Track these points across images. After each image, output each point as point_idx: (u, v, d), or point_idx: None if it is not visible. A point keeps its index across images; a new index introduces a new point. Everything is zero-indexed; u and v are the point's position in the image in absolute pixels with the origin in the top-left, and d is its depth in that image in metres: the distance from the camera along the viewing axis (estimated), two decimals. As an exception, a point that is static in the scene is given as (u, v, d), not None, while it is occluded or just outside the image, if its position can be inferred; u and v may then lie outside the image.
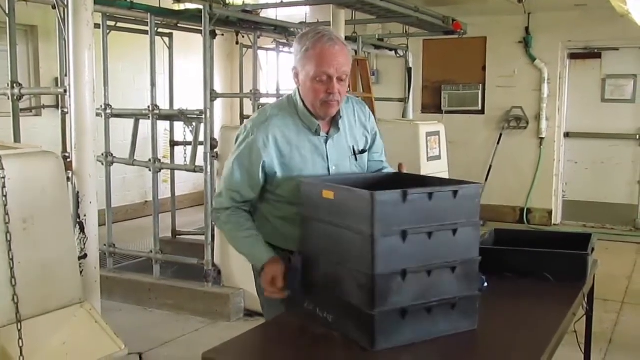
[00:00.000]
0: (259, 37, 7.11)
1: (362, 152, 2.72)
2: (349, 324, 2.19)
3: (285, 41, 7.73)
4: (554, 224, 9.13)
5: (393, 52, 9.34)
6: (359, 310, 2.12)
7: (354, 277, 2.15)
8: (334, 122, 2.60)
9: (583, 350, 3.52)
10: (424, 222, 2.13)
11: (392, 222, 2.07)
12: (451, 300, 2.20)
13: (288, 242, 2.58)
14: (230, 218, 2.62)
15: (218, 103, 7.70)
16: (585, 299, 3.01)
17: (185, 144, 6.97)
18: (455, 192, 2.20)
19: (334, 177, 2.56)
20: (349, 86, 7.39)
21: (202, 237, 5.72)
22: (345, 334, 2.20)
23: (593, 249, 3.08)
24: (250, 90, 6.74)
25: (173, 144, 7.29)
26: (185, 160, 6.59)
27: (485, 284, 2.72)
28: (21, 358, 2.73)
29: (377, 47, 9.17)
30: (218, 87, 9.22)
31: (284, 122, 2.55)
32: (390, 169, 2.84)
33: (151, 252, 5.87)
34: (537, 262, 2.92)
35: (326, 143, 2.61)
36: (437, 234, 2.15)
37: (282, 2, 6.76)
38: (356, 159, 2.70)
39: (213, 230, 5.54)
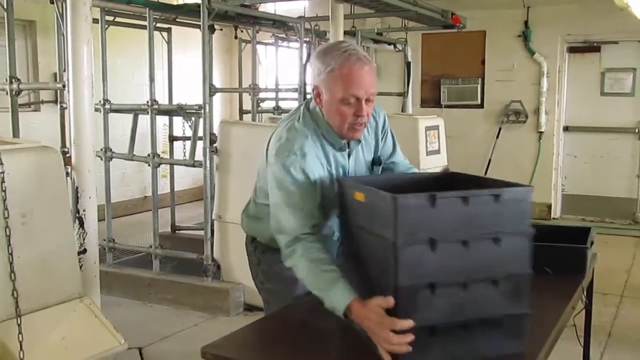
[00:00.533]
0: (257, 32, 7.12)
1: (377, 162, 2.64)
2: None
3: (284, 36, 7.72)
4: (553, 218, 9.13)
5: (392, 46, 9.33)
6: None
7: (380, 289, 1.95)
8: None
9: (582, 344, 3.53)
10: (458, 230, 1.90)
11: (418, 228, 1.85)
12: (492, 318, 1.97)
13: None
14: (308, 249, 2.25)
15: (217, 98, 7.72)
16: (585, 292, 3.01)
17: (185, 138, 6.97)
18: (496, 196, 1.95)
19: (378, 177, 2.47)
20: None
21: (202, 232, 5.72)
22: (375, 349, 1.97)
23: (592, 243, 3.08)
24: (249, 85, 6.75)
25: (172, 139, 7.29)
26: (184, 155, 6.59)
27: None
28: (21, 353, 2.74)
29: (376, 41, 9.15)
30: (217, 82, 9.22)
31: (313, 140, 2.41)
32: (413, 168, 2.78)
33: (150, 247, 5.88)
34: (537, 255, 2.91)
35: (349, 158, 2.52)
36: (475, 243, 1.91)
37: (280, -4, 6.75)
38: (372, 170, 2.63)
39: (212, 225, 5.55)
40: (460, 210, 1.90)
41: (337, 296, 2.07)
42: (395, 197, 1.84)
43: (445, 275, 1.89)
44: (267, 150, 2.48)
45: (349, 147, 2.50)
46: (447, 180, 2.39)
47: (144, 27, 5.98)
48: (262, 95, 7.59)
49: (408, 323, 1.87)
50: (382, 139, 2.66)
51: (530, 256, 2.05)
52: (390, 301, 1.89)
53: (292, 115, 2.54)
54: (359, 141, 2.52)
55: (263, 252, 2.68)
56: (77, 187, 3.69)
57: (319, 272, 2.18)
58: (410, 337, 1.87)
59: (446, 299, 1.90)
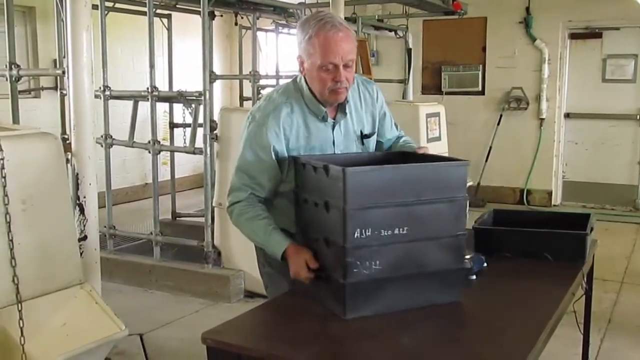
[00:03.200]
0: (258, 18, 7.09)
1: (368, 135, 2.69)
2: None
3: (284, 22, 7.69)
4: (554, 205, 9.13)
5: (393, 33, 9.30)
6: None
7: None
8: (340, 107, 2.58)
9: (582, 330, 3.54)
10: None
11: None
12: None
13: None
14: (244, 209, 2.54)
15: (217, 84, 7.72)
16: (585, 278, 3.01)
17: (185, 125, 6.95)
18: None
19: (333, 155, 2.56)
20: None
21: (202, 219, 5.72)
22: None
23: (592, 229, 3.08)
24: (250, 72, 6.73)
25: (172, 125, 7.28)
26: (184, 142, 6.57)
27: (485, 264, 2.73)
28: (22, 339, 2.75)
29: (376, 28, 9.12)
30: (217, 69, 9.19)
31: (291, 110, 2.52)
32: (410, 141, 2.85)
33: (151, 234, 5.88)
34: (536, 242, 2.93)
35: (333, 129, 2.59)
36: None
37: (281, -18, 6.72)
38: (362, 143, 2.68)
39: (213, 212, 5.55)
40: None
41: (275, 243, 2.45)
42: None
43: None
44: None
45: (334, 119, 2.58)
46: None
47: (143, 13, 5.95)
48: (262, 82, 7.55)
49: (315, 264, 2.33)
50: (380, 119, 2.75)
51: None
52: (315, 264, 2.33)
53: (279, 86, 2.68)
54: (345, 114, 2.59)
55: None
56: (77, 174, 3.69)
57: (256, 226, 2.51)
58: (311, 275, 2.34)
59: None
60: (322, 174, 2.26)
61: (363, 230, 2.15)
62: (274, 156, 2.49)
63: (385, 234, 2.19)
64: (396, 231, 2.20)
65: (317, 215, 2.33)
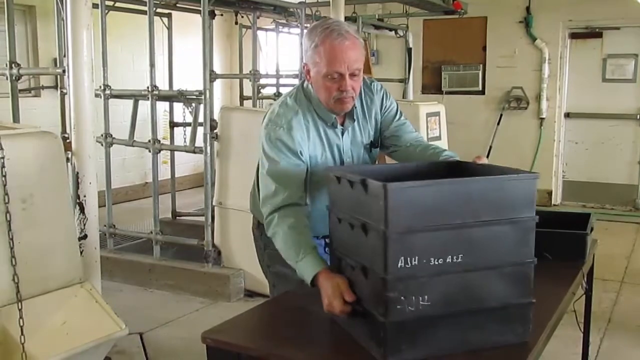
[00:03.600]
0: (258, 18, 7.08)
1: (374, 145, 2.66)
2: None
3: (284, 21, 7.69)
4: (554, 205, 9.13)
5: (393, 33, 9.30)
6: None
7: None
8: (348, 113, 2.55)
9: (582, 330, 3.54)
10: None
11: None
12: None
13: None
14: (283, 219, 2.36)
15: (217, 84, 7.72)
16: (585, 278, 3.01)
17: (185, 124, 6.95)
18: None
19: (373, 167, 2.50)
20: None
21: (202, 218, 5.72)
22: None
23: (592, 229, 3.08)
24: (250, 71, 6.73)
25: (173, 124, 7.28)
26: (184, 141, 6.58)
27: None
28: (22, 337, 2.75)
29: (377, 27, 9.12)
30: (217, 68, 9.20)
31: (304, 116, 2.49)
32: (450, 154, 2.62)
33: (151, 233, 5.88)
34: (536, 241, 2.92)
35: (342, 135, 2.56)
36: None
37: (281, -19, 6.72)
38: (370, 151, 2.66)
39: (213, 211, 5.55)
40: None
41: (306, 266, 2.22)
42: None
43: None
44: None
45: (342, 126, 2.55)
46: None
47: (144, 12, 5.95)
48: (262, 81, 7.56)
49: (352, 296, 2.02)
50: (382, 117, 2.67)
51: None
52: (351, 297, 2.03)
53: (289, 93, 2.62)
54: (354, 119, 2.56)
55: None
56: (77, 173, 3.69)
57: (293, 242, 2.30)
58: (347, 309, 2.03)
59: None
60: (360, 190, 1.93)
61: (409, 259, 1.82)
62: (304, 159, 2.45)
63: (436, 262, 1.85)
64: (449, 259, 1.86)
65: (353, 238, 2.01)
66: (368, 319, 1.95)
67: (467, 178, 2.09)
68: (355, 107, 2.55)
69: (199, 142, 5.55)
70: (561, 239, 2.92)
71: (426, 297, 1.86)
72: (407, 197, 1.82)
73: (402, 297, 1.83)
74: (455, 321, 1.91)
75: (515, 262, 1.97)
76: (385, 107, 2.69)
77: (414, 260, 1.83)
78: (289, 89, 2.72)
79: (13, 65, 4.85)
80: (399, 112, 2.73)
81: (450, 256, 1.87)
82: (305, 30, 6.39)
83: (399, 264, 1.81)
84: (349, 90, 2.40)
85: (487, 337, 1.96)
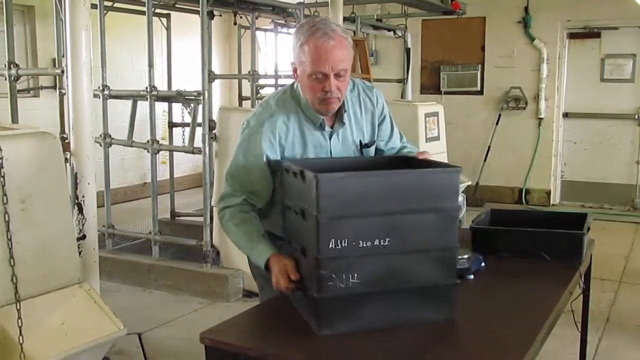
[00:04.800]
0: (257, 18, 7.08)
1: (368, 145, 2.63)
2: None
3: (283, 22, 7.69)
4: (553, 205, 9.15)
5: (392, 33, 9.31)
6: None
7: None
8: (338, 115, 2.51)
9: (580, 329, 3.54)
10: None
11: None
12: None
13: None
14: (235, 214, 2.49)
15: (216, 84, 7.72)
16: (582, 278, 3.02)
17: (184, 125, 6.96)
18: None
19: (324, 160, 2.50)
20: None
21: (201, 219, 5.73)
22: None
23: (589, 229, 3.09)
24: (249, 72, 6.73)
25: (171, 125, 7.28)
26: (183, 142, 6.58)
27: (483, 264, 2.74)
28: (20, 338, 2.75)
29: (375, 27, 9.12)
30: (216, 68, 9.19)
31: (287, 118, 2.46)
32: (413, 150, 2.73)
33: (150, 233, 5.88)
34: (534, 241, 2.94)
35: (330, 138, 2.53)
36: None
37: (280, -18, 6.72)
38: (361, 153, 2.62)
39: (212, 212, 5.55)
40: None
41: (259, 253, 2.38)
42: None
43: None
44: None
45: (332, 129, 2.52)
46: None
47: (143, 12, 5.95)
48: (261, 81, 7.57)
49: (296, 275, 2.22)
50: (380, 124, 2.66)
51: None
52: (295, 275, 2.22)
53: (276, 92, 2.63)
54: (343, 123, 2.53)
55: None
56: (76, 173, 3.69)
57: (243, 233, 2.45)
58: (291, 286, 2.23)
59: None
60: (300, 180, 2.15)
61: (339, 241, 2.01)
62: (266, 164, 2.45)
63: (364, 245, 2.04)
64: (376, 242, 2.05)
65: (297, 223, 2.22)
66: (307, 295, 2.17)
67: (391, 170, 2.29)
68: (346, 110, 2.52)
69: (198, 142, 5.55)
70: (558, 239, 2.94)
71: (356, 275, 2.05)
72: (336, 187, 2.03)
73: (333, 275, 2.03)
74: (384, 298, 2.10)
75: (439, 247, 2.14)
76: (383, 117, 2.67)
77: (344, 243, 2.02)
78: (288, 89, 2.71)
79: (12, 65, 4.85)
80: (394, 128, 2.73)
81: (377, 240, 2.05)
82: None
83: (330, 246, 2.01)
84: (334, 90, 2.36)
85: (415, 314, 2.14)
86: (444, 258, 2.15)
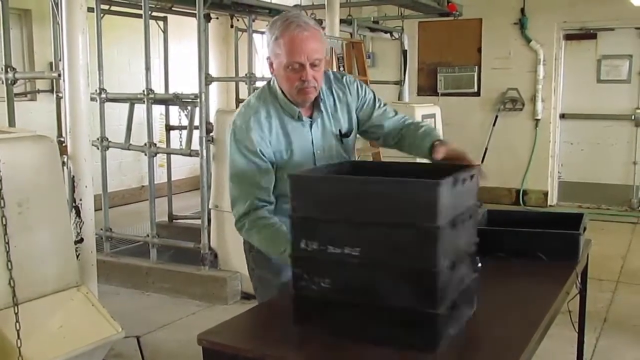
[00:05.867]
0: (253, 21, 7.10)
1: (347, 134, 2.66)
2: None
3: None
4: (550, 205, 9.16)
5: (388, 35, 9.33)
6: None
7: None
8: (315, 105, 2.56)
9: (577, 330, 3.55)
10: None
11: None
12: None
13: None
14: (255, 222, 2.47)
15: (213, 87, 7.73)
16: (579, 278, 3.02)
17: (181, 128, 6.96)
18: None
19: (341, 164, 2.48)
20: (344, 68, 7.35)
21: (199, 221, 5.73)
22: None
23: (585, 229, 3.09)
24: (246, 74, 6.74)
25: (169, 128, 7.29)
26: (180, 145, 6.59)
27: (479, 264, 2.74)
28: (18, 341, 2.75)
29: (372, 29, 9.15)
30: (213, 71, 9.19)
31: (267, 113, 2.51)
32: (430, 130, 2.64)
33: (148, 236, 5.89)
34: (530, 242, 2.94)
35: (311, 127, 2.57)
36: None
37: (276, -16, 6.73)
38: (342, 142, 2.65)
39: (209, 214, 5.56)
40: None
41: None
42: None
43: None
44: None
45: (311, 118, 2.56)
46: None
47: (139, 16, 5.96)
48: (258, 84, 7.57)
49: None
50: (359, 108, 2.69)
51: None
52: None
53: (256, 91, 2.66)
54: (321, 110, 2.57)
55: None
56: (73, 176, 3.70)
57: (269, 238, 2.43)
58: None
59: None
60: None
61: (309, 242, 2.00)
62: (265, 158, 2.48)
63: (333, 250, 1.97)
64: (346, 250, 1.95)
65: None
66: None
67: (364, 177, 2.12)
68: (322, 99, 2.56)
69: (195, 145, 5.55)
70: (554, 239, 2.94)
71: (327, 280, 2.01)
72: (309, 188, 2.04)
73: (305, 275, 2.03)
74: (358, 310, 1.99)
75: (414, 267, 1.90)
76: (361, 98, 2.69)
77: (314, 245, 2.00)
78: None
79: (9, 69, 4.86)
80: (377, 100, 2.73)
81: (347, 248, 1.96)
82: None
83: (301, 245, 2.02)
84: (310, 80, 2.41)
85: (390, 334, 1.95)
86: (421, 280, 1.89)
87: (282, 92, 2.52)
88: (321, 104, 2.57)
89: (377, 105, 2.73)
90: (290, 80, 2.43)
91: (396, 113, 2.77)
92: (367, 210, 1.93)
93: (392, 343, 1.94)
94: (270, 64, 2.49)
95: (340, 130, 2.64)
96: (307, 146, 2.56)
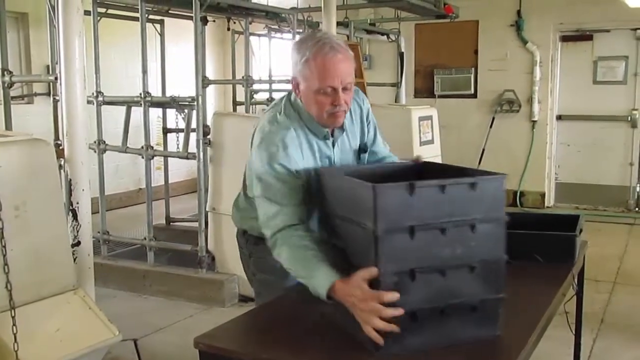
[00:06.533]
0: (250, 23, 7.10)
1: (363, 149, 2.63)
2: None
3: (276, 27, 7.71)
4: (547, 207, 9.17)
5: (385, 37, 9.33)
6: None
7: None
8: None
9: (574, 331, 3.55)
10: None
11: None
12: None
13: None
14: (289, 239, 2.29)
15: (210, 89, 7.71)
16: (575, 279, 3.03)
17: (178, 130, 6.95)
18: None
19: (358, 167, 2.50)
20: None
21: (196, 224, 5.73)
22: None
23: (581, 230, 3.10)
24: (243, 77, 6.74)
25: (166, 131, 7.27)
26: (178, 148, 6.59)
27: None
28: (15, 345, 2.75)
29: (369, 31, 9.16)
30: (210, 74, 9.21)
31: (297, 131, 2.42)
32: (395, 158, 2.73)
33: (145, 239, 5.89)
34: (526, 243, 2.94)
35: (333, 146, 2.52)
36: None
37: (273, -13, 6.74)
38: (359, 157, 2.63)
39: (207, 217, 5.56)
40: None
41: (319, 280, 2.10)
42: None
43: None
44: (251, 142, 2.50)
45: (332, 136, 2.51)
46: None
47: (136, 19, 5.97)
48: (255, 86, 7.57)
49: (394, 295, 1.89)
50: (367, 126, 2.67)
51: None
52: (373, 270, 1.91)
53: (274, 107, 2.55)
54: (343, 130, 2.52)
55: (255, 244, 2.67)
56: (70, 180, 3.70)
57: (300, 259, 2.22)
58: (400, 311, 1.90)
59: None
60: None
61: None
62: (302, 176, 2.37)
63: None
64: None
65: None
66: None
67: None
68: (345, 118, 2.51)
69: (192, 148, 5.56)
70: (550, 241, 2.95)
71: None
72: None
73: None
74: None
75: (360, 266, 1.97)
76: (368, 121, 2.67)
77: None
78: (282, 94, 2.70)
79: (5, 72, 4.85)
80: (377, 133, 2.72)
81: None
82: (297, 36, 6.44)
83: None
84: (342, 104, 2.35)
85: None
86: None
87: (307, 111, 2.44)
88: (343, 123, 2.51)
89: (375, 137, 2.71)
90: (321, 104, 2.35)
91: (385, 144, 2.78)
92: (337, 205, 2.16)
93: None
94: (296, 85, 2.40)
95: (360, 146, 2.61)
96: (327, 164, 2.51)
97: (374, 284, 1.93)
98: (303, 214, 2.36)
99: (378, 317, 1.90)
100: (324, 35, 2.38)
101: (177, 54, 8.69)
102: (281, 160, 2.34)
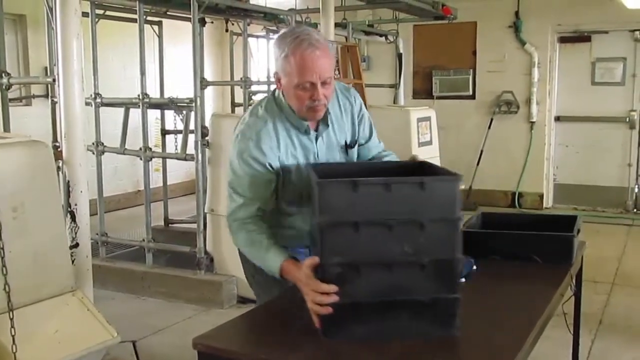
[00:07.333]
0: (248, 25, 7.08)
1: (351, 145, 2.66)
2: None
3: (275, 28, 7.70)
4: (546, 208, 9.18)
5: (383, 38, 9.33)
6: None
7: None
8: (322, 118, 2.54)
9: (572, 332, 3.56)
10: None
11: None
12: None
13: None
14: (242, 227, 2.47)
15: (209, 91, 7.73)
16: (573, 280, 3.03)
17: (176, 132, 6.95)
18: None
19: (340, 165, 2.54)
20: (339, 72, 7.36)
21: (194, 225, 5.73)
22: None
23: (579, 231, 3.11)
24: (241, 78, 6.74)
25: (164, 132, 7.28)
26: (176, 149, 6.59)
27: (474, 267, 2.75)
28: (14, 347, 2.75)
29: (367, 33, 9.16)
30: (208, 75, 9.21)
31: (276, 125, 2.49)
32: (392, 155, 2.77)
33: (143, 240, 5.88)
34: (524, 244, 2.95)
35: (316, 141, 2.56)
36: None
37: (271, -12, 6.74)
38: (347, 153, 2.65)
39: (205, 218, 5.56)
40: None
41: (271, 260, 2.33)
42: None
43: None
44: None
45: (316, 131, 2.55)
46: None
47: (134, 20, 5.97)
48: (253, 88, 7.57)
49: (330, 287, 2.05)
50: (359, 123, 2.69)
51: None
52: (317, 260, 2.10)
53: (260, 101, 2.63)
54: (328, 125, 2.56)
55: None
56: (68, 181, 3.70)
57: (255, 242, 2.42)
58: (333, 298, 2.05)
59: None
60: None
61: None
62: (272, 170, 2.46)
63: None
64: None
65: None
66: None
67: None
68: (329, 113, 2.54)
69: (191, 149, 5.55)
70: (548, 242, 2.95)
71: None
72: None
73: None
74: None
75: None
76: (360, 117, 2.69)
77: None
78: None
79: (3, 74, 4.85)
80: (373, 131, 2.75)
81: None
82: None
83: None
84: (322, 99, 2.40)
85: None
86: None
87: (289, 105, 2.50)
88: (328, 118, 2.55)
89: (371, 134, 2.75)
90: (300, 98, 2.41)
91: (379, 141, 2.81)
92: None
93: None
94: (278, 80, 2.46)
95: (345, 142, 2.64)
96: (311, 160, 2.55)
97: (319, 272, 2.09)
98: (267, 206, 2.50)
99: (314, 301, 2.09)
100: (304, 31, 2.43)
101: (175, 56, 8.69)
102: (253, 153, 2.44)
